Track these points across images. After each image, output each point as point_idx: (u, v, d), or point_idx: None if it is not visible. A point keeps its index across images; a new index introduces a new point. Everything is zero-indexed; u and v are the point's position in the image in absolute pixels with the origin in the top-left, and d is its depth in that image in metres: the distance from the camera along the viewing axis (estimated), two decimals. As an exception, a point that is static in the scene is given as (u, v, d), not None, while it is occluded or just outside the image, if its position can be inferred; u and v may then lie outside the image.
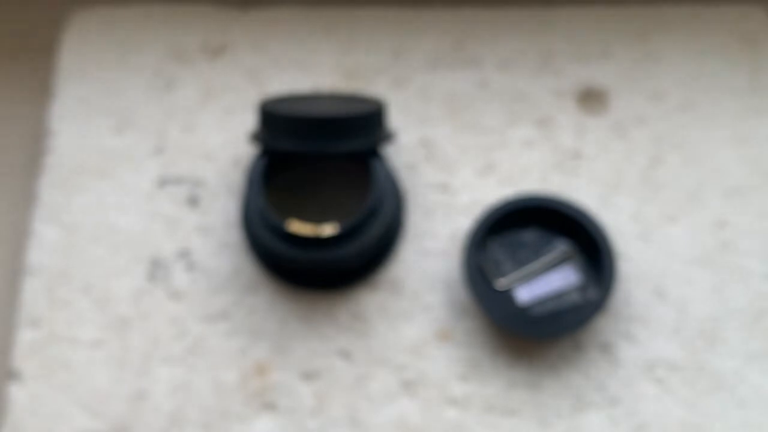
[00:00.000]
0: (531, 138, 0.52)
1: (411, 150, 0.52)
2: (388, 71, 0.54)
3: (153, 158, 0.53)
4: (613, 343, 0.48)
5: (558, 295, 0.48)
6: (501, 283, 0.48)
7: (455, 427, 0.47)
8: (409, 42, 0.55)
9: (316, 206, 0.50)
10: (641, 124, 0.52)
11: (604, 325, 0.48)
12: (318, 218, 0.48)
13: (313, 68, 0.55)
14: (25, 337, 0.49)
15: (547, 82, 0.54)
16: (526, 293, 0.48)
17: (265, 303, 0.49)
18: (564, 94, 0.53)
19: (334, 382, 0.48)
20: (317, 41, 0.55)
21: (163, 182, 0.52)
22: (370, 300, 0.49)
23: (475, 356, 0.48)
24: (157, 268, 0.50)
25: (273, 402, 0.48)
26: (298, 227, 0.46)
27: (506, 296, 0.48)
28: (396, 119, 0.52)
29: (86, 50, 0.56)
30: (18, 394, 0.48)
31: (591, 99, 0.53)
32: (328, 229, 0.46)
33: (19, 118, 0.56)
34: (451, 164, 0.52)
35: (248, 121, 0.53)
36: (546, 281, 0.48)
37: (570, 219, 0.48)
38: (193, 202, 0.52)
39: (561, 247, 0.49)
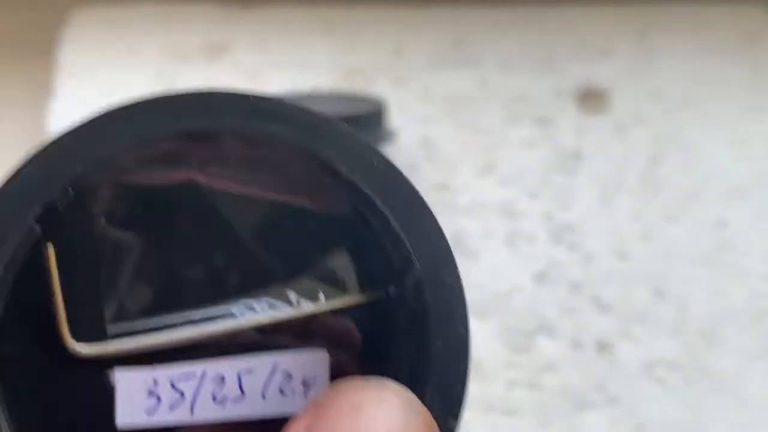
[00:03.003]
0: (531, 137, 0.52)
1: (411, 150, 0.52)
2: (387, 70, 0.54)
3: (153, 158, 0.53)
4: (612, 343, 0.48)
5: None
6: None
7: (455, 427, 0.47)
8: (409, 41, 0.55)
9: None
10: (641, 123, 0.52)
11: (604, 324, 0.48)
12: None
13: (313, 67, 0.55)
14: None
15: (547, 82, 0.53)
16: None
17: (265, 303, 0.49)
18: (564, 94, 0.53)
19: (334, 381, 0.48)
20: (317, 40, 0.55)
21: (163, 182, 0.52)
22: (370, 300, 0.49)
23: (474, 356, 0.48)
24: (157, 268, 0.50)
25: (273, 402, 0.48)
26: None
27: (506, 296, 0.48)
28: (396, 119, 0.52)
29: (86, 50, 0.56)
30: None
31: (591, 98, 0.53)
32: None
33: (19, 117, 0.56)
34: (451, 164, 0.52)
35: (248, 120, 0.53)
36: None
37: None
38: (193, 201, 0.52)
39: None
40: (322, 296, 0.21)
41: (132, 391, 0.19)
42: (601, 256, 0.49)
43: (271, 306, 0.20)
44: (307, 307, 0.20)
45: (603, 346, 0.48)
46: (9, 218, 0.18)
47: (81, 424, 0.19)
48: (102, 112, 0.19)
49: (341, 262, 0.21)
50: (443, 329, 0.20)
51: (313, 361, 0.21)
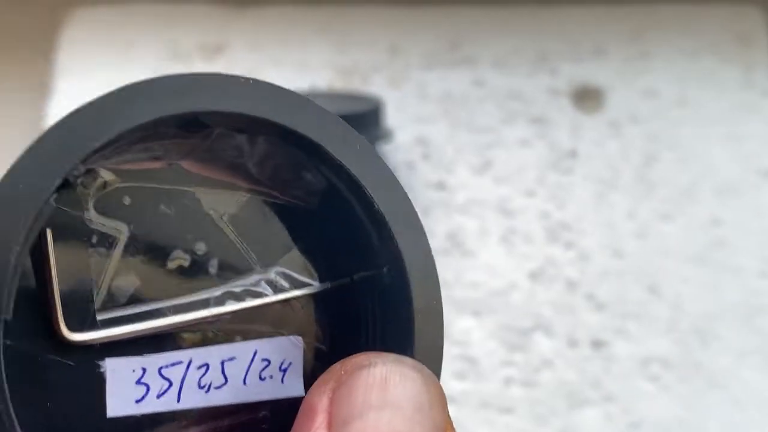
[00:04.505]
0: (527, 136, 0.52)
1: (407, 148, 0.53)
2: (384, 70, 0.55)
3: (151, 157, 0.53)
4: (607, 340, 0.48)
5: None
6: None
7: (451, 424, 0.47)
8: (405, 40, 0.55)
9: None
10: (636, 122, 0.53)
11: (599, 322, 0.48)
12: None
13: (310, 67, 0.55)
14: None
15: (542, 81, 0.54)
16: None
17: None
18: (559, 93, 0.53)
19: (331, 379, 0.48)
20: (314, 40, 0.56)
21: (161, 181, 0.52)
22: (367, 297, 0.49)
23: (471, 354, 0.48)
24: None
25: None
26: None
27: (502, 293, 0.48)
28: (392, 118, 0.53)
29: (85, 49, 0.56)
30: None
31: (586, 97, 0.54)
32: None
33: (17, 117, 0.56)
34: (448, 163, 0.52)
35: (245, 119, 0.53)
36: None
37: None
38: (190, 200, 0.52)
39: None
40: (289, 285, 0.21)
41: (122, 380, 0.20)
42: (597, 254, 0.49)
43: (249, 293, 0.21)
44: (278, 296, 0.21)
45: (598, 344, 0.48)
46: (24, 201, 0.18)
47: (72, 414, 0.19)
48: (100, 98, 0.20)
49: (304, 255, 0.22)
50: (422, 300, 0.21)
51: (289, 346, 0.21)
